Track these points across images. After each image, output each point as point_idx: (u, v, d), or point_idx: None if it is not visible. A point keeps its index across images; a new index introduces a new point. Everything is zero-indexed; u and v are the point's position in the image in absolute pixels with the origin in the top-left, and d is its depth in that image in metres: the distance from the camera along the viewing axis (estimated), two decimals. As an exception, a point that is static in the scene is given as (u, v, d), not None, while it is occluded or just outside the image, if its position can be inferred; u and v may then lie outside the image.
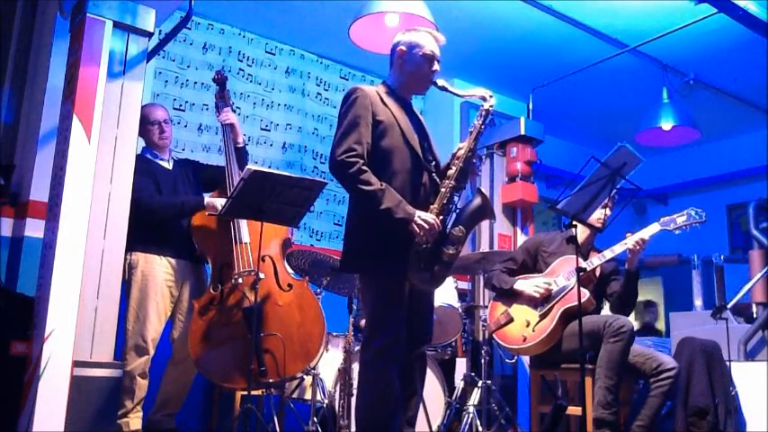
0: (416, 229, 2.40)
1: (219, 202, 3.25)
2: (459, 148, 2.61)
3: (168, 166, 3.49)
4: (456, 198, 2.57)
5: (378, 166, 2.47)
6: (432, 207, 2.51)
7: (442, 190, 2.54)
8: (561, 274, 3.39)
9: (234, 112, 3.57)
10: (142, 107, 3.56)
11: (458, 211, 2.58)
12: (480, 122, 2.63)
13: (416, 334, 2.55)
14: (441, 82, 2.68)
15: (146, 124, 3.43)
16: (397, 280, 2.46)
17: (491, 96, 2.66)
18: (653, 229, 3.29)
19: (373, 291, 2.49)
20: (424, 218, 2.42)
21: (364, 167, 2.43)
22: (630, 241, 3.27)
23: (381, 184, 2.42)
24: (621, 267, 3.57)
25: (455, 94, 2.72)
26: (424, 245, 2.44)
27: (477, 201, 2.59)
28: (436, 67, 2.66)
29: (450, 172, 2.56)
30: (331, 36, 4.91)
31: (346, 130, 2.47)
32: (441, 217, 2.50)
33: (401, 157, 2.51)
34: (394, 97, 2.63)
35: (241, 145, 3.51)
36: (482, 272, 4.01)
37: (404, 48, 2.66)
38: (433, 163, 2.64)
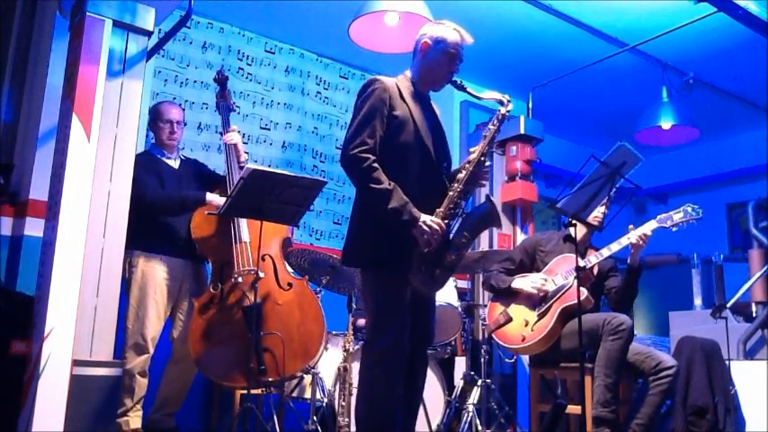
0: (421, 233, 2.38)
1: (221, 200, 3.26)
2: (472, 152, 2.54)
3: (174, 165, 3.51)
4: (463, 203, 2.52)
5: (389, 162, 2.42)
6: (438, 210, 2.45)
7: (450, 193, 2.48)
8: (559, 273, 3.39)
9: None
10: (159, 103, 3.59)
11: (464, 216, 2.52)
12: (495, 127, 2.57)
13: (418, 335, 2.53)
14: (459, 81, 2.61)
15: (158, 121, 3.46)
16: (399, 282, 2.43)
17: (509, 101, 2.59)
18: (650, 226, 3.29)
19: (375, 293, 2.46)
20: (429, 222, 2.38)
21: (375, 164, 2.39)
22: (633, 236, 3.27)
23: (390, 184, 2.38)
24: (620, 266, 3.58)
25: (473, 95, 2.62)
26: (427, 248, 2.41)
27: (485, 208, 2.53)
28: (457, 66, 2.61)
29: (460, 176, 2.51)
30: (330, 35, 4.90)
31: (361, 124, 2.43)
32: (446, 221, 2.45)
33: (413, 156, 2.47)
34: (413, 92, 2.58)
35: (243, 165, 3.50)
36: (481, 271, 4.01)
37: (428, 41, 2.59)
38: (445, 164, 2.59)
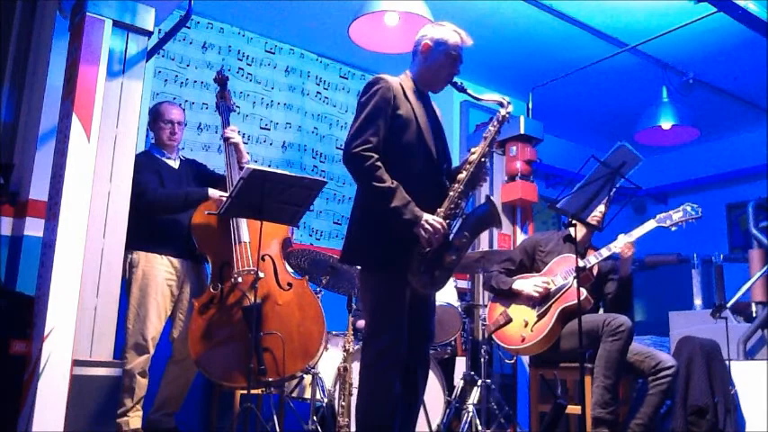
0: (422, 232, 2.37)
1: (223, 194, 3.26)
2: (472, 153, 2.55)
3: (174, 165, 3.51)
4: (463, 203, 2.52)
5: (391, 161, 2.42)
6: (438, 211, 2.45)
7: (451, 194, 2.48)
8: (559, 274, 3.39)
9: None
10: (159, 104, 3.59)
11: (464, 216, 2.52)
12: (495, 129, 2.57)
13: (419, 334, 2.53)
14: (460, 83, 2.61)
15: (159, 121, 3.47)
16: (398, 281, 2.43)
17: (509, 103, 2.60)
18: (649, 225, 3.29)
19: (374, 292, 2.46)
20: (431, 222, 2.38)
21: (378, 163, 2.38)
22: (619, 244, 3.28)
23: (393, 183, 2.37)
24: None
25: (473, 97, 2.62)
26: (427, 248, 2.41)
27: (485, 208, 2.53)
28: (458, 68, 2.60)
29: (461, 176, 2.51)
30: (331, 35, 4.91)
31: (365, 122, 2.42)
32: (447, 221, 2.44)
33: (415, 156, 2.47)
34: (416, 92, 2.58)
35: (245, 165, 3.50)
36: (481, 271, 4.00)
37: (429, 43, 2.58)
38: (445, 165, 2.59)
